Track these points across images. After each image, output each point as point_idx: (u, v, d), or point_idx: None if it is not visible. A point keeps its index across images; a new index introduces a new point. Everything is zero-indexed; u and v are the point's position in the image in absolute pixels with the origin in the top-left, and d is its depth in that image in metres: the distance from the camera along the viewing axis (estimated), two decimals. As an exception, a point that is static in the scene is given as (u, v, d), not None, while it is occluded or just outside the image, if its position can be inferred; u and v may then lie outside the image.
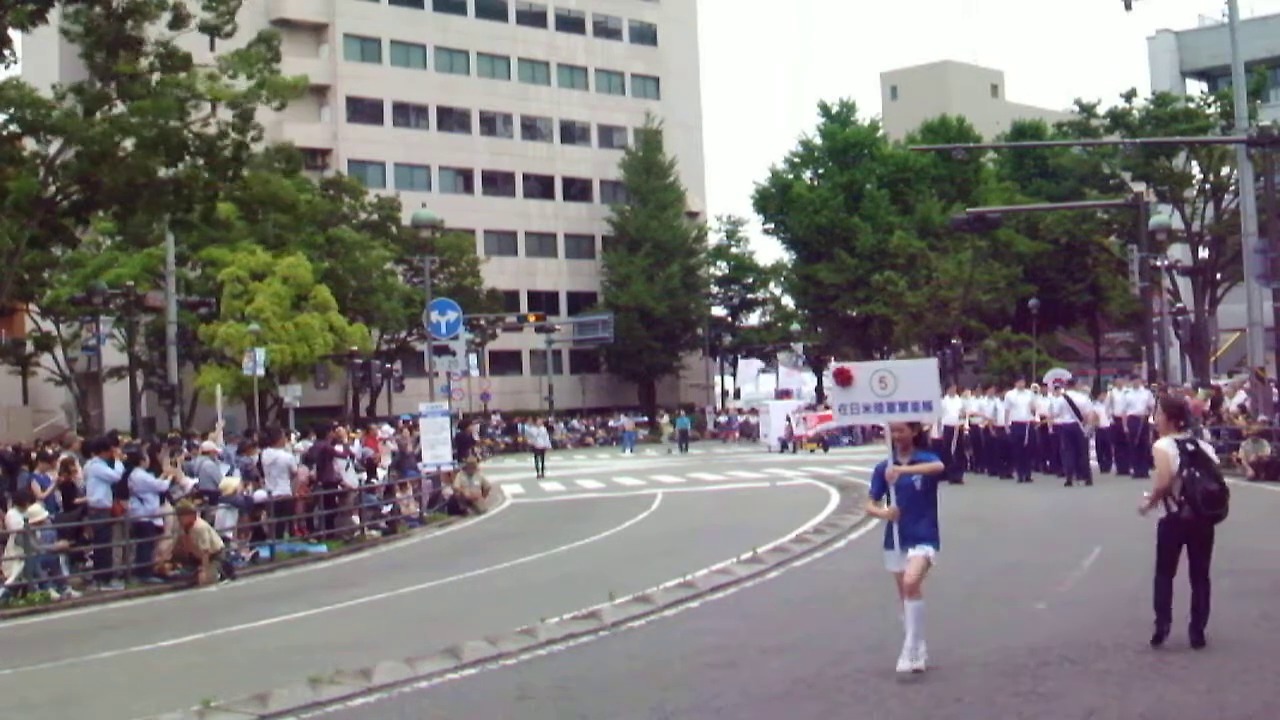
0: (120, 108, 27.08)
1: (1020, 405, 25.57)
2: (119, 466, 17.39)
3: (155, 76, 27.13)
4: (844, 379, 9.48)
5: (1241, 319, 33.52)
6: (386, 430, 34.86)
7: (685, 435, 53.09)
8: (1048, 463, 25.45)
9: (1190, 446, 9.19)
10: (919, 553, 8.95)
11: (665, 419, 57.91)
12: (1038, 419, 25.20)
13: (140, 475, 17.55)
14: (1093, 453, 25.52)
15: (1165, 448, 9.24)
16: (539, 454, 38.42)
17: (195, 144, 27.37)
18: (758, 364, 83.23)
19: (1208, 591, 9.18)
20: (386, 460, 27.78)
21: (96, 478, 17.20)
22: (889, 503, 9.06)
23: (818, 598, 13.00)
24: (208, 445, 22.18)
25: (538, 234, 74.21)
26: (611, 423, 64.43)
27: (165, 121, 26.50)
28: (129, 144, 26.84)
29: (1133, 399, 25.17)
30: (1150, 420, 26.07)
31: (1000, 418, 25.82)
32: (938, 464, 9.15)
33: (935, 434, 26.58)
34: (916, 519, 8.97)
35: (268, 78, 27.26)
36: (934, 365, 9.68)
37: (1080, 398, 25.51)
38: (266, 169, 31.17)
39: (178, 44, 27.20)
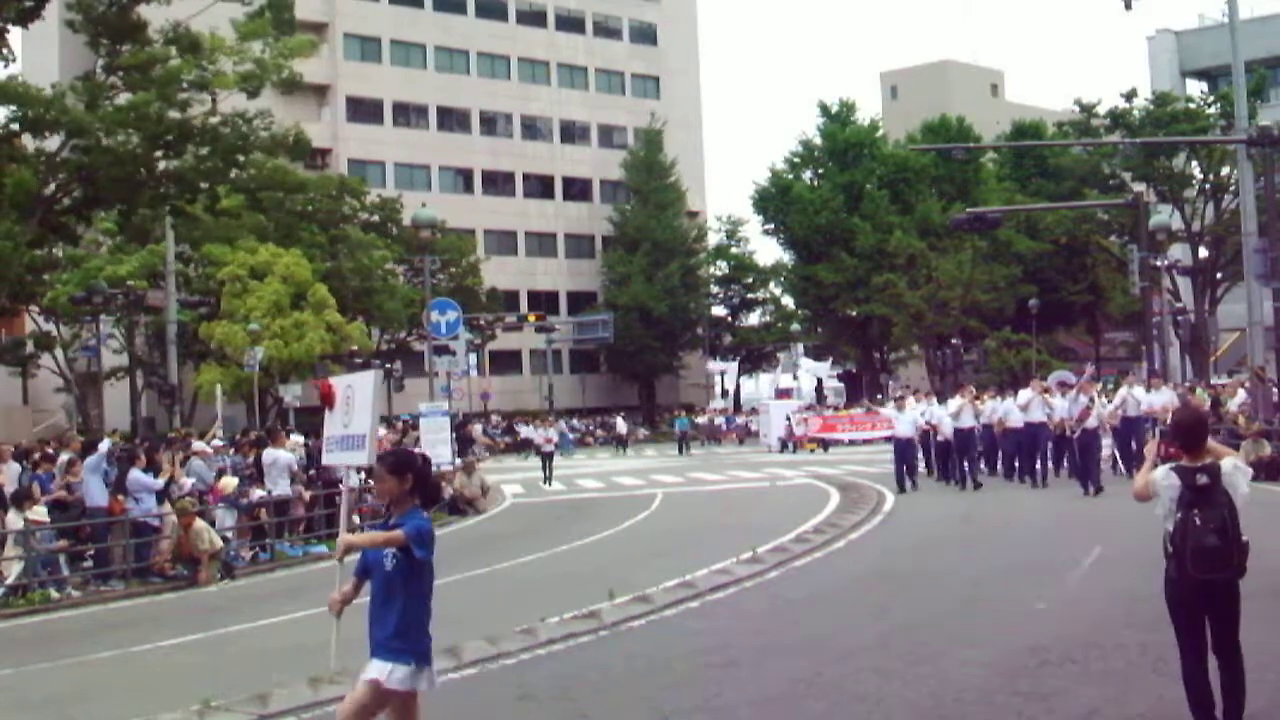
0: (125, 97, 27.13)
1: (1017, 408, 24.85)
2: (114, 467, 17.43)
3: (165, 64, 27.14)
4: (326, 398, 6.69)
5: (1241, 319, 33.54)
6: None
7: (685, 437, 51.72)
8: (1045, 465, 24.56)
9: (1202, 479, 6.78)
10: (370, 672, 5.93)
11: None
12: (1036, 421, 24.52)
13: (135, 475, 17.54)
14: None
15: (1160, 479, 6.93)
16: (546, 458, 34.55)
17: (199, 134, 27.44)
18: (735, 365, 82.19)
19: (1240, 667, 7.01)
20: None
21: (91, 473, 17.24)
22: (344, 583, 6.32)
23: (818, 598, 12.99)
24: (198, 446, 22.08)
25: (538, 234, 74.24)
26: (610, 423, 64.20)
27: (167, 113, 26.56)
28: (131, 137, 26.89)
29: (1154, 400, 24.50)
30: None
31: (1011, 418, 25.14)
32: (398, 534, 5.93)
33: (945, 435, 24.96)
34: (385, 614, 5.98)
35: (278, 42, 27.43)
36: (370, 381, 6.50)
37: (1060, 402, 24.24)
38: (271, 156, 31.22)
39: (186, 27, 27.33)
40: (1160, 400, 24.68)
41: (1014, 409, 24.67)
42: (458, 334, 29.61)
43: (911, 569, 14.46)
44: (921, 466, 26.00)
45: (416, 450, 6.88)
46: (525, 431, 55.99)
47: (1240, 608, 7.03)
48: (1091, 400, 23.19)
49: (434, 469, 23.65)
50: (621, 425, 58.32)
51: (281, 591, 16.23)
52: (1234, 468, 6.92)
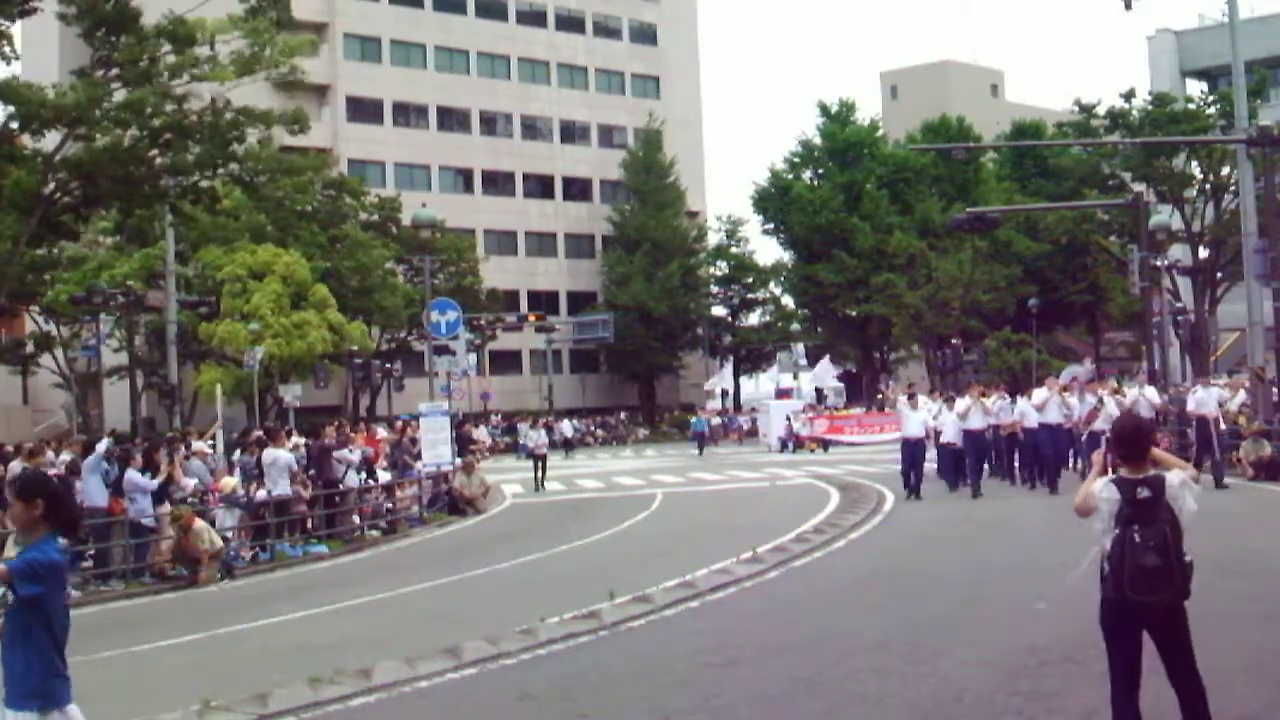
0: (121, 95, 27.11)
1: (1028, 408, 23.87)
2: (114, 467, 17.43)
3: (160, 59, 27.12)
4: None
5: (1241, 319, 33.53)
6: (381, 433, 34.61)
7: (703, 437, 48.78)
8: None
9: (1143, 493, 6.21)
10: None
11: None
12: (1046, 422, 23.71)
13: (130, 475, 17.53)
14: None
15: (1099, 490, 6.35)
16: (538, 460, 32.37)
17: (198, 131, 27.44)
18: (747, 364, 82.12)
19: (1200, 688, 6.35)
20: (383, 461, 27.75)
21: (90, 473, 17.25)
22: None
23: (818, 598, 12.99)
24: (198, 446, 22.09)
25: (538, 234, 74.24)
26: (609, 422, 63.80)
27: (163, 108, 26.56)
28: (130, 134, 26.88)
29: (1203, 398, 23.19)
30: (1221, 422, 22.93)
31: (1028, 420, 23.95)
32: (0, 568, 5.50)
33: (949, 438, 23.83)
34: (9, 656, 5.47)
35: (273, 38, 27.50)
36: None
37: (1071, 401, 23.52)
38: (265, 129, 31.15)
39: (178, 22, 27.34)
40: (1213, 398, 23.45)
41: (1030, 410, 23.60)
42: (458, 334, 29.58)
43: (911, 569, 14.45)
44: (927, 469, 24.59)
45: (53, 473, 6.41)
46: (478, 434, 54.69)
47: (1188, 630, 6.38)
48: (1100, 400, 22.42)
49: (435, 469, 23.35)
50: (568, 428, 55.24)
51: (281, 591, 16.24)
52: (1181, 483, 6.33)
